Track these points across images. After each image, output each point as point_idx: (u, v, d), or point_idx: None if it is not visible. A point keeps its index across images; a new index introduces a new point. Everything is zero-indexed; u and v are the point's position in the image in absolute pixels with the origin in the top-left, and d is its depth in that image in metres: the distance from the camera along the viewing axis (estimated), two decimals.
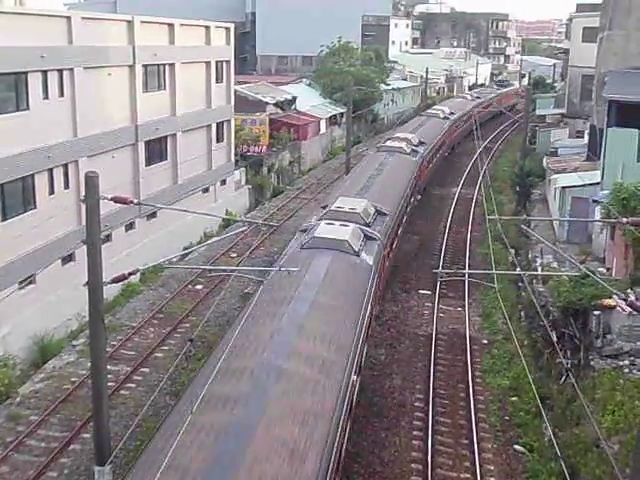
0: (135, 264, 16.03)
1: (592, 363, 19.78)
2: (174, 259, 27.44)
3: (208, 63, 36.99)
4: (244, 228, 29.76)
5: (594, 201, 27.88)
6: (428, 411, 19.87)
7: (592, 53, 40.05)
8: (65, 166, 25.86)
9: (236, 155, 42.17)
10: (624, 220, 15.19)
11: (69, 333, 25.04)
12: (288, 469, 10.31)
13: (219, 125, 38.90)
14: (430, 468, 17.33)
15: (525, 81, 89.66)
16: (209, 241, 31.66)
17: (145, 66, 30.90)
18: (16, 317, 22.99)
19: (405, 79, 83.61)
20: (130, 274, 13.68)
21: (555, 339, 21.56)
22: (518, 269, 27.58)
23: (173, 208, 28.25)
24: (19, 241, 23.36)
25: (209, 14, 52.32)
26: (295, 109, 55.68)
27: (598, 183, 29.66)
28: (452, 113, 56.84)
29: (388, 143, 39.06)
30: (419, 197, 38.94)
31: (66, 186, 26.00)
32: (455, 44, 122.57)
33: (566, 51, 63.25)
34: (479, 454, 17.99)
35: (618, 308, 19.41)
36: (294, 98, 56.09)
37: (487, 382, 21.86)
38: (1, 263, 22.73)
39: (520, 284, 28.40)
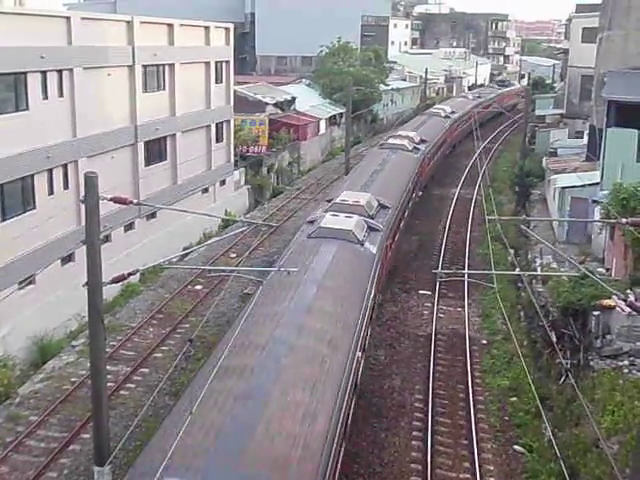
0: (135, 264, 16.04)
1: (592, 363, 19.79)
2: (174, 259, 27.44)
3: (208, 63, 36.99)
4: (244, 228, 29.77)
5: (594, 201, 27.91)
6: (428, 411, 19.87)
7: (591, 53, 40.08)
8: (64, 166, 25.85)
9: (235, 155, 42.16)
10: (623, 220, 15.17)
11: (69, 333, 25.02)
12: (301, 428, 11.38)
13: (219, 125, 38.90)
14: (430, 468, 17.33)
15: (525, 81, 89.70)
16: (209, 241, 31.68)
17: (145, 66, 30.90)
18: (16, 317, 22.99)
19: (404, 79, 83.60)
20: (130, 274, 13.68)
21: (555, 339, 21.55)
22: (517, 269, 27.59)
23: (173, 208, 28.27)
24: (19, 241, 23.34)
25: (209, 14, 52.29)
26: (294, 109, 55.68)
27: (597, 183, 29.67)
28: (453, 112, 57.54)
29: (390, 141, 39.94)
30: (420, 193, 39.67)
31: (65, 186, 25.99)
32: (454, 44, 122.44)
33: (565, 51, 63.36)
34: (479, 454, 17.99)
35: (617, 308, 19.38)
36: (293, 98, 56.10)
37: (487, 382, 21.87)
38: (1, 263, 22.72)
39: (520, 284, 28.40)
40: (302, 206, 42.19)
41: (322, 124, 58.27)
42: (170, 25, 33.20)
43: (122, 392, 20.90)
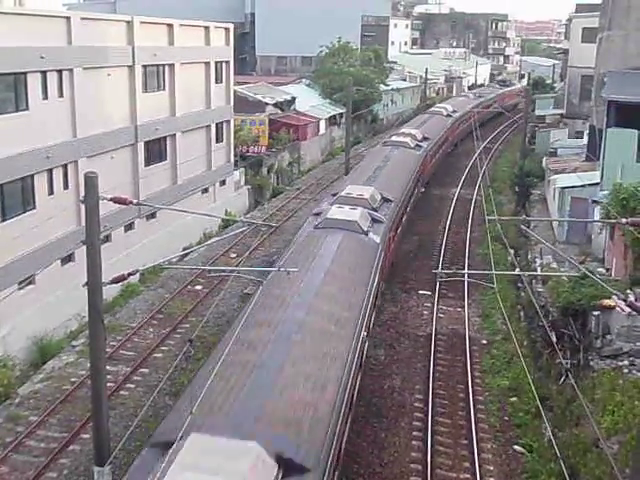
0: (134, 264, 16.07)
1: (591, 363, 19.80)
2: (174, 259, 27.45)
3: (207, 63, 36.97)
4: (243, 228, 29.76)
5: (593, 201, 27.92)
6: (428, 411, 19.87)
7: (591, 53, 40.10)
8: (64, 166, 25.84)
9: (235, 155, 42.15)
10: (623, 220, 15.19)
11: (68, 333, 25.01)
12: (311, 395, 12.42)
13: (218, 125, 38.89)
14: (430, 468, 17.33)
15: (524, 81, 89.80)
16: (209, 241, 31.67)
17: (144, 66, 30.89)
18: (16, 317, 22.99)
19: (404, 79, 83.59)
20: (130, 274, 13.69)
21: (554, 339, 21.55)
22: (517, 269, 27.59)
23: (172, 208, 28.26)
24: (19, 241, 23.33)
25: (208, 15, 52.33)
26: (294, 109, 55.67)
27: (597, 183, 29.67)
28: (455, 111, 58.71)
29: (394, 138, 41.24)
30: (423, 189, 40.84)
31: (65, 186, 25.98)
32: (454, 44, 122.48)
33: (565, 51, 63.34)
34: (479, 454, 17.99)
35: (617, 308, 19.34)
36: (293, 98, 56.09)
37: (486, 382, 21.86)
38: (1, 263, 22.71)
39: (519, 284, 28.41)
40: (302, 206, 42.19)
41: (322, 124, 58.26)
42: (170, 25, 33.19)
43: (122, 392, 20.90)
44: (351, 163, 42.21)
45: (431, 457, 17.79)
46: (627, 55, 35.11)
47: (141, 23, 30.25)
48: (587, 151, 37.60)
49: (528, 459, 17.86)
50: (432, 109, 60.04)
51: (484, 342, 24.70)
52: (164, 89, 33.10)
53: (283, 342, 13.87)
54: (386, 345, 24.08)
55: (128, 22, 29.54)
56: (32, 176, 24.17)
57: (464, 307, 27.54)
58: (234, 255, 32.90)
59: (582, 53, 47.36)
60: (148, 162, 31.88)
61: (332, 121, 61.07)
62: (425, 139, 43.01)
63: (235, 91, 42.85)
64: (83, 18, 26.56)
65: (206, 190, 37.83)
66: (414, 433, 19.00)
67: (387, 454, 18.01)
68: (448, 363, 23.14)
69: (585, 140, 40.95)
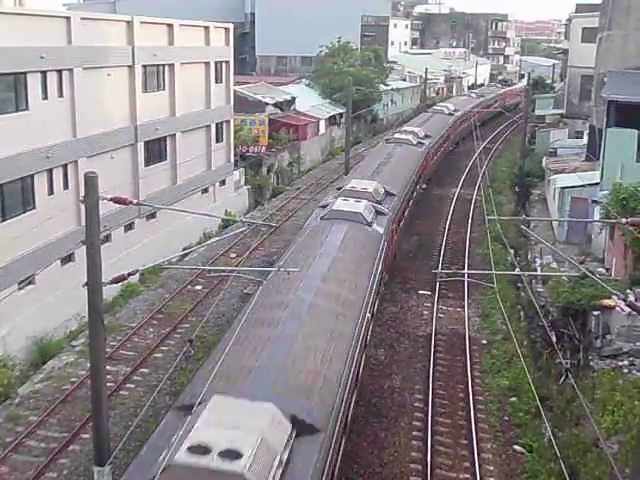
0: (134, 264, 16.07)
1: (591, 363, 19.80)
2: (173, 259, 27.44)
3: (207, 63, 36.97)
4: (243, 228, 29.75)
5: (593, 201, 27.93)
6: (427, 411, 19.87)
7: (591, 53, 40.13)
8: (64, 166, 25.85)
9: (235, 155, 42.15)
10: (623, 220, 15.20)
11: (68, 333, 25.01)
12: (321, 367, 13.38)
13: (218, 125, 38.89)
14: (430, 468, 17.33)
15: (524, 81, 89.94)
16: (208, 241, 31.68)
17: (144, 66, 30.89)
18: (15, 318, 22.99)
19: (404, 79, 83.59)
20: (129, 274, 13.69)
21: (554, 339, 21.56)
22: (517, 269, 27.59)
23: (172, 208, 28.25)
24: (18, 241, 23.34)
25: (208, 15, 52.39)
26: (294, 109, 55.67)
27: (597, 183, 29.68)
28: (456, 110, 59.69)
29: (396, 135, 42.14)
30: (424, 186, 41.68)
31: (65, 186, 25.99)
32: (454, 44, 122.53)
33: (565, 51, 63.36)
34: (478, 454, 17.99)
35: (617, 308, 19.34)
36: (293, 98, 56.08)
37: (486, 382, 21.86)
38: (1, 263, 22.71)
39: (519, 284, 28.41)
40: (302, 206, 42.18)
41: (322, 124, 58.26)
42: (170, 25, 33.19)
43: (122, 392, 20.89)
44: (351, 163, 42.25)
45: (431, 457, 17.79)
46: (627, 55, 35.14)
47: (141, 23, 30.26)
48: (587, 151, 37.62)
49: (528, 459, 17.85)
50: (434, 108, 60.91)
51: (484, 342, 24.70)
52: (164, 89, 33.11)
53: (295, 320, 14.85)
54: (386, 345, 24.08)
55: (128, 22, 29.55)
56: (32, 176, 24.17)
57: (464, 307, 27.53)
58: (234, 255, 32.90)
59: (582, 53, 47.37)
60: (148, 162, 31.89)
61: (332, 121, 61.06)
62: (427, 137, 43.80)
63: (235, 91, 42.85)
64: (83, 18, 26.57)
65: (206, 190, 37.83)
66: (414, 433, 19.00)
67: (387, 454, 18.00)
68: (448, 363, 23.13)
69: (585, 140, 40.96)
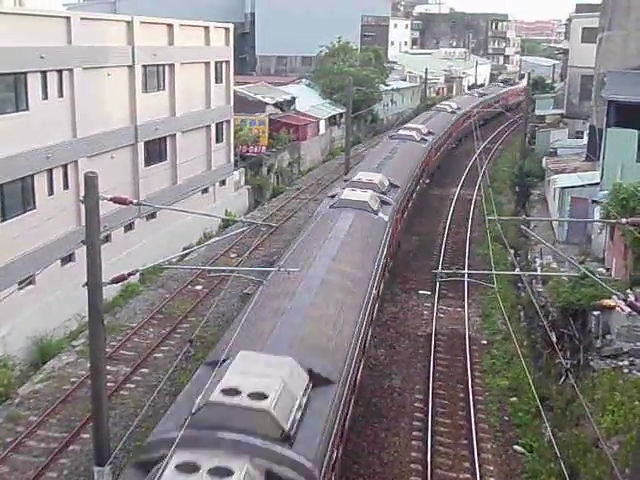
0: (134, 264, 16.08)
1: (591, 363, 19.79)
2: (174, 259, 27.43)
3: (207, 63, 36.97)
4: (244, 228, 29.75)
5: (593, 201, 27.92)
6: (427, 411, 19.87)
7: (591, 53, 40.12)
8: (64, 166, 25.84)
9: (235, 155, 42.14)
10: (623, 220, 15.21)
11: (68, 333, 25.01)
12: (332, 332, 14.92)
13: (218, 125, 38.89)
14: (430, 468, 17.33)
15: (524, 81, 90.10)
16: (209, 241, 31.68)
17: (144, 66, 30.89)
18: (16, 317, 22.98)
19: (404, 79, 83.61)
20: (130, 274, 13.69)
21: (554, 339, 21.55)
22: (517, 269, 27.60)
23: (172, 208, 28.25)
24: (18, 241, 23.33)
25: (208, 14, 52.32)
26: (294, 109, 55.66)
27: (597, 183, 29.67)
28: (459, 108, 61.46)
29: (400, 132, 43.72)
30: (427, 181, 43.08)
31: (65, 186, 25.98)
32: (454, 44, 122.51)
33: (565, 51, 63.44)
34: (479, 454, 17.99)
35: (617, 308, 19.39)
36: (293, 98, 56.08)
37: (486, 382, 21.86)
38: (1, 263, 22.71)
39: (519, 284, 28.41)
40: (302, 206, 42.18)
41: (322, 124, 58.26)
42: (170, 25, 33.19)
43: (122, 392, 20.90)
44: (351, 163, 42.29)
45: (431, 457, 17.79)
46: (627, 55, 35.13)
47: (141, 23, 30.25)
48: (587, 151, 37.60)
49: (528, 459, 17.85)
50: (437, 106, 62.81)
51: (484, 342, 24.70)
52: (164, 89, 33.10)
53: (307, 293, 16.31)
54: (386, 345, 24.08)
55: (128, 22, 29.54)
56: (32, 176, 24.16)
57: (464, 307, 27.53)
58: (234, 255, 32.90)
59: (582, 53, 47.38)
60: (148, 162, 31.88)
61: (332, 121, 61.05)
62: (430, 133, 45.24)
63: (235, 91, 42.84)
64: (83, 18, 26.56)
65: (206, 190, 37.83)
66: (414, 433, 19.00)
67: (387, 454, 18.00)
68: (448, 363, 23.13)
69: (585, 140, 40.95)
